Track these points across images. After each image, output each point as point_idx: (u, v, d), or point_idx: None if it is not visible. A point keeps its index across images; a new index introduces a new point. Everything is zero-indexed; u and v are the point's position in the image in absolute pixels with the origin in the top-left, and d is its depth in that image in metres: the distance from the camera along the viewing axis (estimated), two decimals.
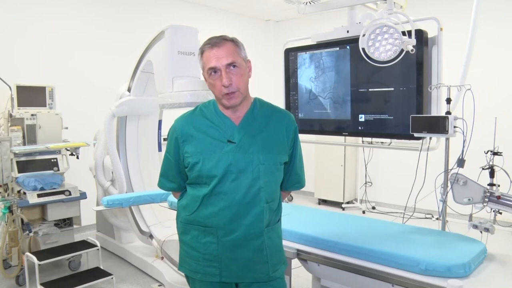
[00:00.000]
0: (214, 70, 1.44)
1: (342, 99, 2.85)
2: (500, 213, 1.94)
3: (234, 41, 1.49)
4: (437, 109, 2.41)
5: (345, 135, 2.99)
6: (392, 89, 2.59)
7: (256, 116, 1.54)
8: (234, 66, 1.44)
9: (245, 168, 1.46)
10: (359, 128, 2.78)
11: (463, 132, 2.16)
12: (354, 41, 2.52)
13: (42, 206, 3.50)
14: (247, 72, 1.51)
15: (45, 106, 3.64)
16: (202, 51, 1.48)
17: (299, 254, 2.09)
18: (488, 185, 1.97)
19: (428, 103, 2.44)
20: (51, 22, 4.38)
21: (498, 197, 1.91)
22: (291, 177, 1.64)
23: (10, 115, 3.50)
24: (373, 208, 5.71)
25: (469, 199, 1.99)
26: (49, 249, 3.28)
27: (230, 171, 1.45)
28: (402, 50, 2.15)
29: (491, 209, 1.95)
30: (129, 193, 3.47)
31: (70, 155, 3.71)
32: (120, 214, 3.85)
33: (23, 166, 3.39)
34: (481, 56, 4.28)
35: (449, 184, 2.11)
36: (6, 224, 3.30)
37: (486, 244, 1.94)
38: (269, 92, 3.91)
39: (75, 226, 3.71)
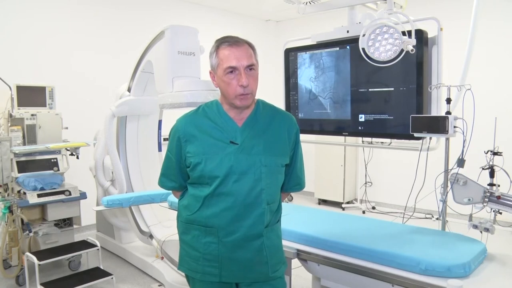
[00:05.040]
0: (232, 69, 1.43)
1: (342, 99, 2.85)
2: (500, 213, 1.94)
3: (250, 45, 1.49)
4: (437, 109, 2.41)
5: (345, 135, 2.99)
6: (392, 89, 2.59)
7: (258, 118, 1.54)
8: (251, 69, 1.45)
9: (248, 170, 1.46)
10: (359, 128, 2.78)
11: (463, 132, 2.16)
12: (354, 41, 2.52)
13: (42, 206, 3.49)
14: (258, 76, 1.52)
15: (45, 106, 3.64)
16: (217, 47, 1.47)
17: (299, 254, 2.09)
18: (488, 185, 1.97)
19: (428, 103, 2.44)
20: (51, 22, 4.38)
21: (498, 197, 1.91)
22: (291, 179, 1.65)
23: (10, 115, 3.51)
24: (373, 208, 5.71)
25: (469, 199, 1.99)
26: (49, 249, 3.28)
27: (233, 172, 1.45)
28: (402, 50, 2.15)
29: (491, 209, 1.95)
30: (129, 193, 3.47)
31: (70, 155, 3.71)
32: (120, 214, 3.85)
33: (23, 166, 3.39)
34: (481, 56, 4.28)
35: (449, 184, 2.11)
36: (6, 224, 3.30)
37: (486, 244, 1.94)
38: (269, 92, 3.90)
39: (75, 226, 3.71)
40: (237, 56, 1.43)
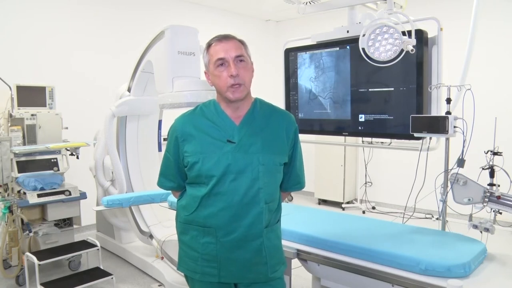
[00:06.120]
0: (222, 61, 1.45)
1: (342, 99, 2.84)
2: (500, 213, 1.94)
3: (240, 40, 1.52)
4: (437, 109, 2.41)
5: (345, 135, 2.99)
6: (392, 89, 2.59)
7: (256, 116, 1.54)
8: (241, 60, 1.47)
9: (245, 169, 1.45)
10: (359, 128, 2.78)
11: (463, 132, 2.16)
12: (354, 41, 2.52)
13: (42, 206, 3.49)
14: (251, 69, 1.52)
15: (45, 106, 3.64)
16: (208, 45, 1.50)
17: (299, 254, 2.09)
18: (488, 185, 1.97)
19: (428, 103, 2.44)
20: (51, 22, 4.38)
21: (498, 197, 1.91)
22: (291, 178, 1.64)
23: (10, 115, 3.51)
24: (373, 208, 5.71)
25: (469, 199, 1.99)
26: (49, 249, 3.28)
27: (229, 171, 1.45)
28: (402, 50, 2.15)
29: (491, 209, 1.95)
30: (129, 193, 3.47)
31: (70, 155, 3.71)
32: (120, 214, 3.85)
33: (23, 166, 3.39)
34: (481, 56, 4.28)
35: (449, 184, 2.11)
36: (6, 224, 3.30)
37: (486, 244, 1.94)
38: (269, 92, 3.91)
39: (75, 226, 3.72)
40: (226, 49, 1.45)
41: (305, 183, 1.70)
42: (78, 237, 3.85)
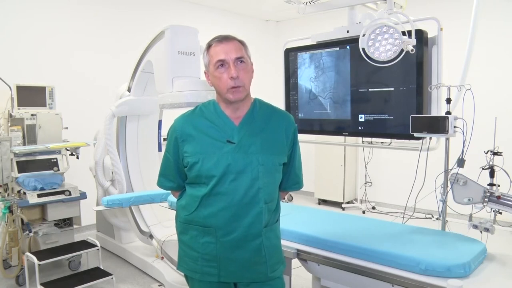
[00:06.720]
0: (222, 63, 1.45)
1: (342, 99, 2.85)
2: (500, 213, 1.94)
3: (240, 41, 1.52)
4: (437, 109, 2.41)
5: (345, 135, 2.99)
6: (392, 89, 2.59)
7: (256, 117, 1.54)
8: (241, 61, 1.47)
9: (244, 169, 1.46)
10: (359, 128, 2.78)
11: (463, 132, 2.16)
12: (354, 41, 2.52)
13: (42, 206, 3.49)
14: (251, 70, 1.53)
15: (45, 106, 3.64)
16: (209, 46, 1.50)
17: (299, 254, 2.09)
18: (488, 185, 1.97)
19: (428, 103, 2.44)
20: (51, 22, 4.38)
21: (498, 197, 1.91)
22: (290, 178, 1.65)
23: (10, 115, 3.51)
24: (373, 208, 5.71)
25: (469, 199, 1.99)
26: (49, 249, 3.28)
27: (229, 172, 1.45)
28: (402, 50, 2.15)
29: (491, 209, 1.95)
30: (129, 193, 3.47)
31: (70, 155, 3.71)
32: (120, 214, 3.85)
33: (23, 166, 3.39)
34: (481, 56, 4.28)
35: (449, 184, 2.11)
36: (6, 224, 3.30)
37: (486, 244, 1.94)
38: (269, 92, 3.91)
39: (75, 226, 3.72)
40: (226, 50, 1.45)
41: (304, 182, 1.71)
42: (78, 237, 3.85)
